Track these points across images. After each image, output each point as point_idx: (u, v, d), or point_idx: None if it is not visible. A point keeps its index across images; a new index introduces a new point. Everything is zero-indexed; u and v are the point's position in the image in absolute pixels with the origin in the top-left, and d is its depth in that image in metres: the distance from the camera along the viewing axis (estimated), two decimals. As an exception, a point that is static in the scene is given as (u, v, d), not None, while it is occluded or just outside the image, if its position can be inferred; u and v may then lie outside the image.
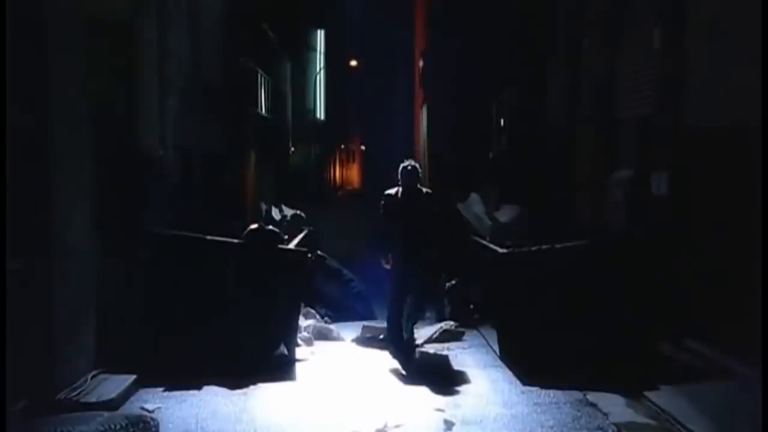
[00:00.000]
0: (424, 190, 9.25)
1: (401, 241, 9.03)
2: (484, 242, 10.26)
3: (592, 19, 12.48)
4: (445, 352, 9.38)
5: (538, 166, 14.30)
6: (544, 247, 8.74)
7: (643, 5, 10.47)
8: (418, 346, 9.30)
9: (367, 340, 9.56)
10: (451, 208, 11.65)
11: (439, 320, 10.71)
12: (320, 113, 28.96)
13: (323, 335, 9.80)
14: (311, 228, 10.96)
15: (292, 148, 27.67)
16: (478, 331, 10.42)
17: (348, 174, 38.51)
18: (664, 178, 9.56)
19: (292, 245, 9.68)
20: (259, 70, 18.68)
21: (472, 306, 11.00)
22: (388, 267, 9.16)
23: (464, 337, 10.06)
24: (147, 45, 9.38)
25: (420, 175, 9.26)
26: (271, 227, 8.70)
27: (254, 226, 8.70)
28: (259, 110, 19.02)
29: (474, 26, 18.10)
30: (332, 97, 30.17)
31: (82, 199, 7.47)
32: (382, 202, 9.17)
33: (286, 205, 11.38)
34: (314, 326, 9.79)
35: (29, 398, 6.40)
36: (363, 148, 38.93)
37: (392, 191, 9.15)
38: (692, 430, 6.71)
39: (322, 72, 29.07)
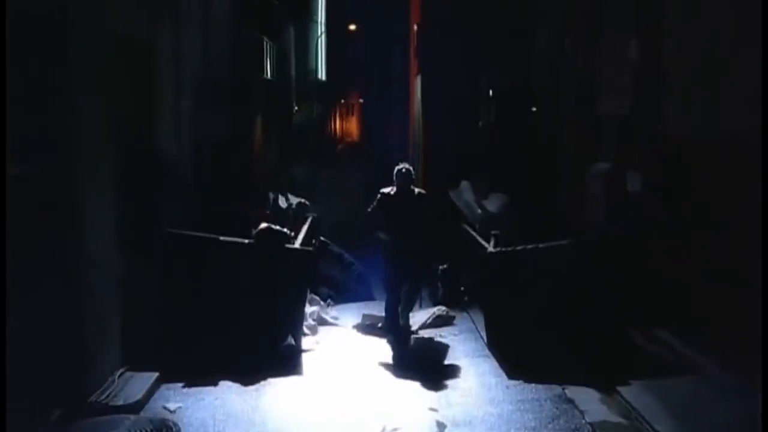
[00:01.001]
0: (417, 190, 9.41)
1: (394, 238, 9.25)
2: (473, 233, 10.43)
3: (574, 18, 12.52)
4: (438, 339, 9.64)
5: (524, 145, 14.43)
6: (529, 246, 8.90)
7: (622, 14, 10.49)
8: (413, 332, 9.57)
9: (366, 328, 9.78)
10: (444, 199, 11.79)
11: (434, 303, 10.97)
12: (322, 74, 28.92)
13: (326, 321, 10.02)
14: (315, 215, 11.09)
15: (296, 107, 27.67)
16: (468, 314, 10.62)
17: (347, 126, 38.50)
18: (638, 178, 9.72)
19: (300, 234, 9.91)
20: (265, 39, 18.63)
21: (462, 288, 11.21)
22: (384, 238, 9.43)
23: (455, 322, 10.26)
24: (163, 58, 9.41)
25: (413, 176, 9.42)
26: (278, 228, 8.80)
27: (263, 226, 8.82)
28: (265, 75, 18.99)
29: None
30: (333, 58, 30.13)
31: (106, 205, 7.55)
32: (378, 198, 9.36)
33: (292, 195, 11.52)
34: (318, 313, 10.01)
35: (63, 405, 6.49)
36: (361, 101, 38.76)
37: (387, 190, 9.33)
38: (658, 430, 6.85)
39: (323, 36, 29.25)
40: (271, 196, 11.05)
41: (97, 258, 7.29)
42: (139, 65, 8.72)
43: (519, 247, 8.89)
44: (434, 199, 10.48)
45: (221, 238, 8.64)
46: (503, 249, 9.01)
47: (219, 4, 13.28)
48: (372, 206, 9.37)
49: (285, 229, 9.19)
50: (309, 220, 10.93)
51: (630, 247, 8.96)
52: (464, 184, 12.02)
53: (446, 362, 8.83)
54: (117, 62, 7.80)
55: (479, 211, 11.10)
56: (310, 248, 9.06)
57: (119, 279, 7.80)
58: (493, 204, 11.11)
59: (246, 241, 8.65)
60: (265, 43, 18.47)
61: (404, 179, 9.21)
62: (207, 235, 8.70)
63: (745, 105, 7.40)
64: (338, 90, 31.34)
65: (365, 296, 11.47)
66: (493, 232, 10.31)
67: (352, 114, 37.80)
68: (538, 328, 8.50)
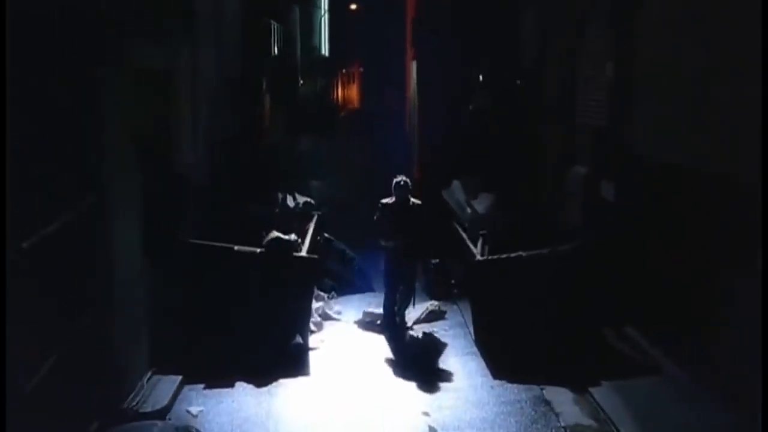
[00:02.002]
0: (414, 201, 9.69)
1: (394, 244, 9.58)
2: (463, 234, 10.71)
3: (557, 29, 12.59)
4: (430, 332, 9.98)
5: (511, 130, 14.53)
6: (512, 255, 9.22)
7: (599, 35, 10.56)
8: (409, 328, 9.94)
9: (366, 324, 10.09)
10: (438, 201, 12.01)
11: (428, 294, 11.30)
12: (325, 50, 29.04)
13: (330, 316, 10.36)
14: (320, 213, 11.39)
15: (301, 81, 27.80)
16: (458, 306, 10.91)
17: (348, 94, 38.53)
18: (611, 187, 9.93)
19: (308, 235, 10.21)
20: (273, 22, 18.74)
21: (453, 282, 11.52)
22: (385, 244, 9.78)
23: (446, 316, 10.56)
24: (181, 81, 9.60)
25: (410, 188, 9.69)
26: (286, 237, 9.09)
27: (273, 236, 9.10)
28: (273, 53, 19.11)
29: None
30: (335, 35, 30.21)
31: (131, 217, 7.73)
32: (379, 208, 9.66)
33: (299, 193, 11.75)
34: (323, 308, 10.35)
35: (100, 415, 6.76)
36: (361, 70, 38.75)
37: (387, 201, 9.62)
38: None
39: (326, 15, 29.40)
40: (280, 196, 11.31)
41: (126, 270, 7.53)
42: (159, 87, 8.93)
43: (503, 256, 9.20)
44: (429, 191, 10.62)
45: (236, 247, 8.90)
46: (490, 257, 9.29)
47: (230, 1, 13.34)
48: (375, 216, 9.66)
49: (292, 235, 9.50)
50: (315, 218, 11.26)
51: (603, 255, 9.25)
52: (455, 184, 12.23)
53: (438, 357, 9.17)
54: (138, 86, 7.96)
55: (469, 210, 11.33)
56: (315, 256, 9.33)
57: (145, 288, 8.03)
58: (481, 204, 11.29)
59: (257, 250, 8.94)
60: (272, 26, 18.61)
61: (402, 191, 9.50)
62: (222, 244, 8.95)
63: (705, 136, 7.63)
64: (340, 63, 31.46)
65: (365, 288, 11.75)
66: (481, 233, 10.59)
67: (353, 82, 37.87)
68: (520, 329, 8.78)
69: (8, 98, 4.77)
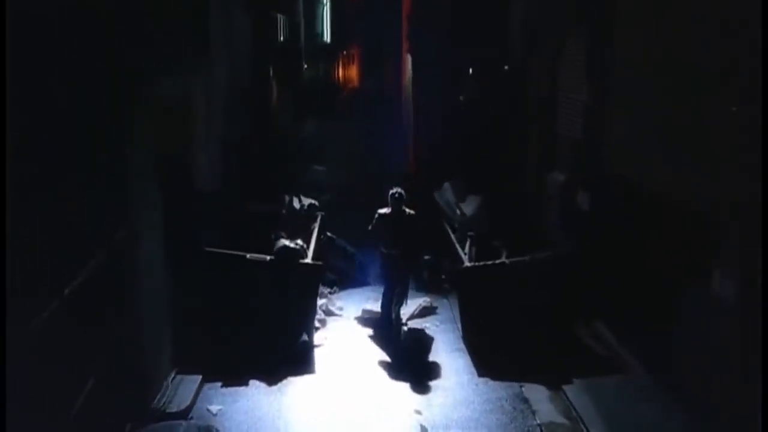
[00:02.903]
0: (408, 211, 10.06)
1: (390, 252, 10.00)
2: (452, 237, 11.10)
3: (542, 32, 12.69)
4: (424, 327, 10.43)
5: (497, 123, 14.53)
6: (497, 261, 9.66)
7: (576, 59, 10.77)
8: (403, 324, 10.39)
9: (365, 321, 10.49)
10: (431, 206, 12.30)
11: (422, 286, 11.72)
12: (327, 37, 29.24)
13: (332, 312, 10.78)
14: (323, 213, 11.78)
15: (305, 65, 27.95)
16: (447, 300, 11.26)
17: (349, 74, 38.65)
18: (586, 197, 10.24)
19: (313, 236, 10.62)
20: (279, 15, 18.91)
21: (443, 276, 11.92)
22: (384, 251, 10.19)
23: (437, 311, 10.94)
24: (197, 103, 9.87)
25: (405, 199, 10.05)
26: (293, 246, 9.48)
27: (281, 244, 9.47)
28: (279, 39, 19.25)
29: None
30: (336, 22, 30.38)
31: (155, 233, 8.06)
32: (376, 218, 10.05)
33: (303, 196, 12.09)
34: (326, 305, 10.78)
35: (132, 417, 7.14)
36: (360, 50, 38.80)
37: (384, 211, 9.99)
38: (591, 431, 7.49)
39: (328, 4, 29.66)
40: (287, 198, 11.69)
41: (151, 280, 7.88)
42: (177, 112, 9.19)
43: (489, 263, 9.62)
44: (423, 188, 10.78)
45: (248, 256, 9.29)
46: (476, 264, 9.71)
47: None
48: (372, 224, 10.04)
49: (299, 241, 9.89)
50: (319, 218, 11.66)
51: (578, 262, 9.64)
52: (446, 186, 12.46)
53: (430, 355, 9.58)
54: (158, 115, 8.23)
55: (458, 212, 11.66)
56: (319, 262, 9.72)
57: (168, 295, 8.40)
58: (469, 206, 11.56)
59: (268, 257, 9.34)
60: (278, 18, 18.78)
61: (397, 202, 9.87)
62: (236, 253, 9.31)
63: (667, 161, 7.93)
64: (341, 47, 31.69)
65: (364, 282, 12.14)
66: (469, 233, 11.04)
67: (353, 62, 38.03)
68: (503, 329, 9.19)
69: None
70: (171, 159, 8.78)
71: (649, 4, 8.59)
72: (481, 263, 9.65)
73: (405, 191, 10.05)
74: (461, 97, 18.36)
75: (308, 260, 9.55)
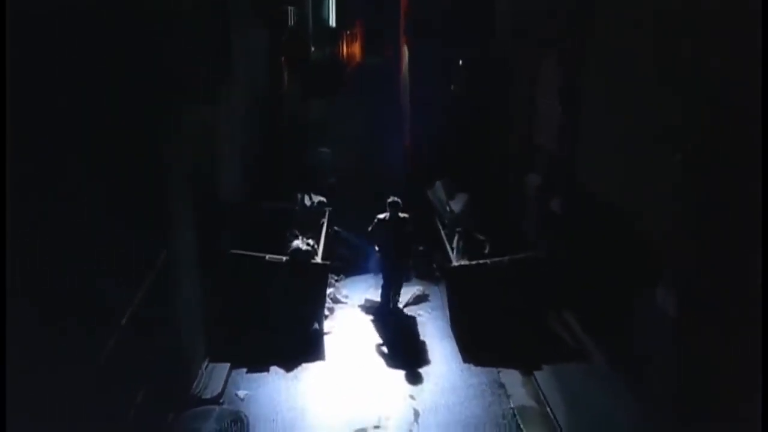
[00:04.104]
0: (402, 215, 10.74)
1: (388, 251, 10.75)
2: (443, 234, 11.77)
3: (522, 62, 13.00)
4: (416, 316, 11.13)
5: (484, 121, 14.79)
6: (481, 261, 10.35)
7: (552, 77, 11.12)
8: (400, 310, 11.17)
9: (367, 309, 11.21)
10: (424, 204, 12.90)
11: (416, 275, 12.44)
12: (333, 22, 29.70)
13: (339, 300, 11.53)
14: (331, 208, 12.47)
15: (313, 48, 28.22)
16: (438, 287, 11.85)
17: (351, 50, 38.96)
18: (558, 202, 10.78)
19: (322, 233, 11.31)
20: (289, 8, 19.27)
21: (434, 266, 12.54)
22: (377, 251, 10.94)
23: (429, 298, 11.61)
24: (221, 121, 10.39)
25: (401, 205, 10.74)
26: (305, 248, 10.19)
27: (294, 246, 10.16)
28: (288, 31, 19.58)
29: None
30: (341, 8, 30.73)
31: (188, 240, 8.63)
32: (375, 222, 10.76)
33: (314, 194, 12.75)
34: (334, 293, 11.53)
35: (175, 405, 7.88)
36: (363, 29, 38.89)
37: (382, 216, 10.71)
38: (556, 415, 8.20)
39: (333, -8, 30.23)
40: (299, 196, 12.37)
41: (187, 282, 8.54)
42: (204, 135, 9.75)
43: (473, 263, 10.32)
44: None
45: (267, 257, 10.01)
46: (462, 263, 10.41)
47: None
48: (372, 227, 10.75)
49: (310, 242, 10.61)
50: (327, 213, 12.36)
51: (550, 261, 10.31)
52: (437, 184, 12.99)
53: (422, 339, 10.33)
54: (189, 141, 8.77)
55: (448, 209, 12.30)
56: (327, 262, 10.43)
57: (200, 293, 9.03)
58: (457, 204, 12.17)
59: (283, 258, 10.06)
60: (289, 11, 19.12)
61: (394, 208, 10.61)
62: (256, 254, 10.00)
63: (619, 181, 8.46)
64: (344, 29, 32.13)
65: (366, 270, 12.80)
66: (457, 230, 11.68)
67: (356, 40, 38.40)
68: (485, 320, 9.92)
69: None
70: (200, 178, 9.38)
71: (611, 38, 8.90)
72: (466, 263, 10.34)
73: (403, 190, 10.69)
74: (452, 87, 18.66)
75: (318, 260, 10.27)
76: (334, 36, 32.04)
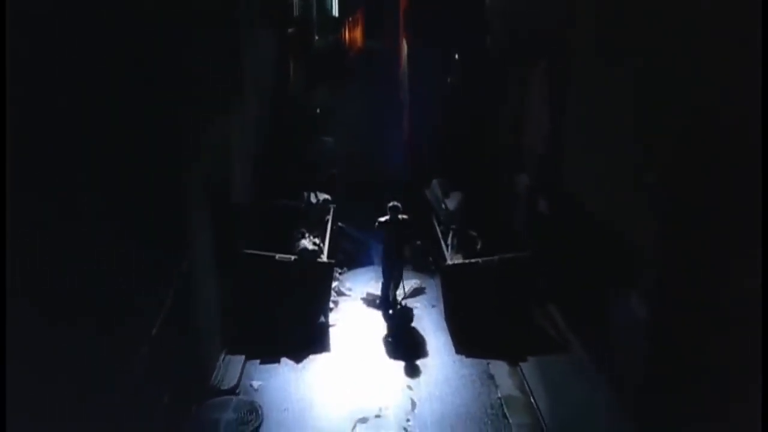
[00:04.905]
0: (402, 217, 11.24)
1: (389, 251, 11.28)
2: (438, 231, 12.23)
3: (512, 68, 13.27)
4: (413, 305, 11.65)
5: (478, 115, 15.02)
6: (473, 260, 10.81)
7: (541, 86, 11.49)
8: (398, 303, 11.72)
9: (369, 302, 11.71)
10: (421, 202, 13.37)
11: (413, 267, 12.95)
12: (335, 11, 30.15)
13: (343, 293, 12.05)
14: (335, 205, 12.93)
15: (317, 37, 28.45)
16: (433, 280, 12.29)
17: (353, 35, 39.24)
18: (546, 204, 11.27)
19: (327, 230, 11.76)
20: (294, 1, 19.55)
21: (430, 259, 13.01)
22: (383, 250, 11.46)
23: (425, 291, 12.08)
24: (235, 136, 10.80)
25: (401, 208, 11.24)
26: (312, 248, 10.68)
27: (302, 246, 10.65)
28: (294, 23, 19.86)
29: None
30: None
31: (206, 243, 9.03)
32: (377, 224, 11.27)
33: (318, 192, 13.14)
34: (338, 287, 12.07)
35: (197, 396, 8.45)
36: (363, 15, 39.03)
37: (383, 219, 11.22)
38: (539, 405, 8.62)
39: (336, -16, 30.47)
40: (305, 194, 12.85)
41: (206, 281, 8.99)
42: (219, 145, 10.15)
43: (466, 261, 10.82)
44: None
45: (277, 256, 10.51)
46: (455, 263, 10.90)
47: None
48: (376, 228, 11.27)
49: (316, 240, 11.10)
50: (331, 210, 12.83)
51: (537, 260, 10.77)
52: (434, 183, 13.33)
53: (418, 331, 10.83)
54: (205, 153, 9.18)
55: (443, 207, 12.76)
56: (332, 260, 10.92)
57: (217, 290, 9.51)
58: (452, 202, 12.58)
59: (292, 257, 10.56)
60: (294, 5, 19.38)
61: (394, 212, 11.13)
62: (267, 253, 10.47)
63: (599, 188, 8.89)
64: (347, 16, 32.46)
65: (368, 263, 13.30)
66: (452, 227, 12.16)
67: (358, 26, 38.70)
68: (476, 314, 10.41)
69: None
70: (215, 185, 9.78)
71: (589, 58, 9.35)
72: (459, 262, 10.83)
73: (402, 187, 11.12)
74: (449, 79, 18.86)
75: (324, 258, 10.78)
76: (337, 25, 32.42)
